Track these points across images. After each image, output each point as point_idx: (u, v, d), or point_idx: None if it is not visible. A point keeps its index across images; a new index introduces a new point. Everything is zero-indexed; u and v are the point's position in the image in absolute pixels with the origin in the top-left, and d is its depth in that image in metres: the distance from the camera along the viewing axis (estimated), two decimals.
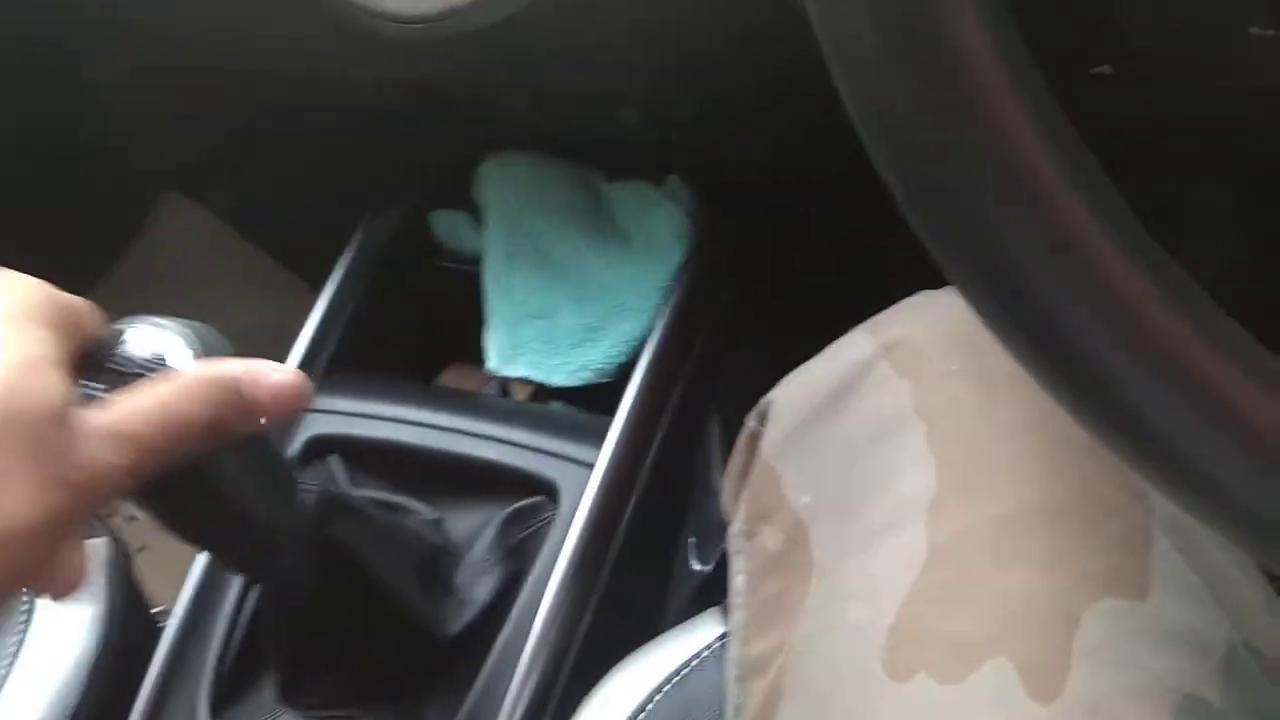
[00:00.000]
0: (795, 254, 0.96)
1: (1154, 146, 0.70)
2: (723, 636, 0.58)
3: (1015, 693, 0.42)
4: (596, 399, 0.79)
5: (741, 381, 0.64)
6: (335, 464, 0.74)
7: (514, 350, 0.82)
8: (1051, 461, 0.47)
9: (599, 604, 0.69)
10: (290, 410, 0.45)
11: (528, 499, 0.72)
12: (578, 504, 0.71)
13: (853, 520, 0.49)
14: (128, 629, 0.71)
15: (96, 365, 0.44)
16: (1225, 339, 0.29)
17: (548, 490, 0.72)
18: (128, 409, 0.42)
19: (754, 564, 0.53)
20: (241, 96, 1.00)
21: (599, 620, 0.69)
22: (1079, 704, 0.41)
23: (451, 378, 0.89)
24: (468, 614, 0.67)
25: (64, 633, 0.69)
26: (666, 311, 0.79)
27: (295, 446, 0.76)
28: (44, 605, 0.70)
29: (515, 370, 0.82)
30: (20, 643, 0.68)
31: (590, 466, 0.72)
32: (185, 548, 0.59)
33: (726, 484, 0.58)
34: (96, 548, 0.73)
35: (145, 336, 0.45)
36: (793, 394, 0.55)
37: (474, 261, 0.85)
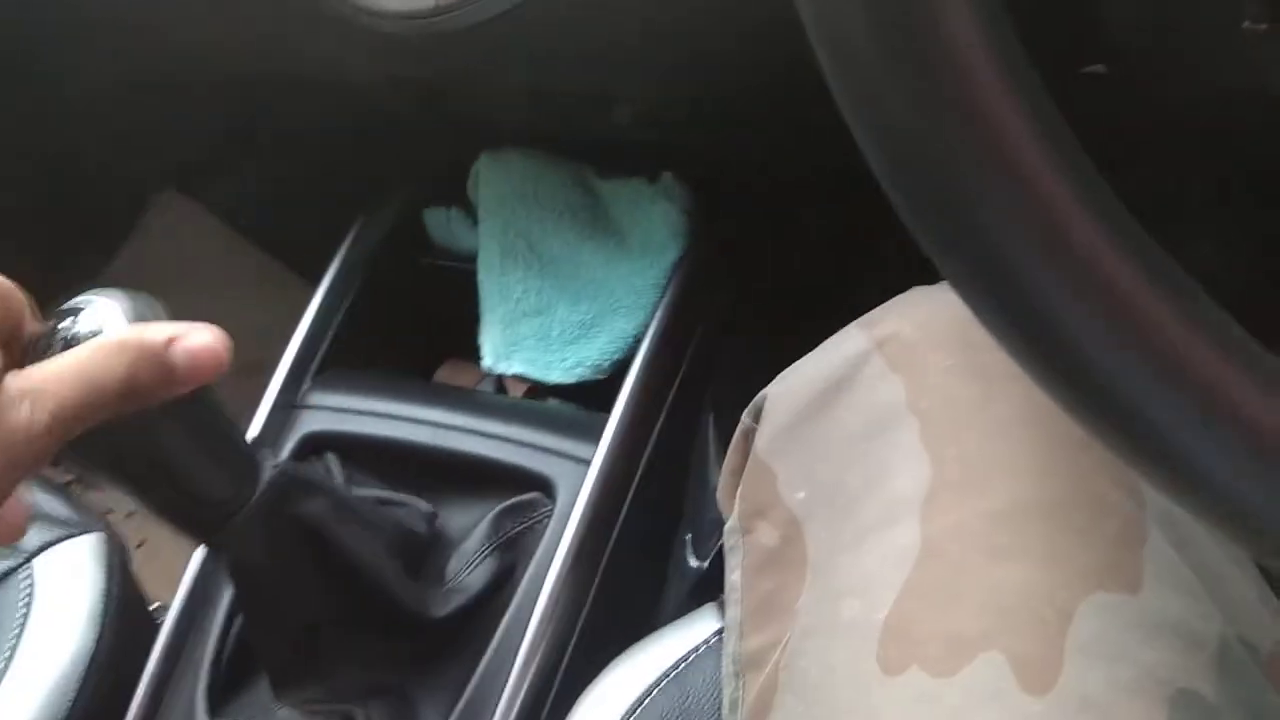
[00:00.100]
0: (791, 251, 0.96)
1: (1150, 145, 0.70)
2: (719, 632, 0.59)
3: (1009, 686, 0.42)
4: (592, 396, 0.79)
5: (738, 378, 0.64)
6: (332, 461, 0.74)
7: (509, 347, 0.82)
8: (1045, 457, 0.47)
9: (595, 600, 0.69)
10: (209, 373, 0.45)
11: (523, 494, 0.72)
12: (574, 500, 0.71)
13: (847, 516, 0.50)
14: (125, 625, 0.71)
15: (48, 342, 0.45)
16: (1222, 336, 0.29)
17: (544, 486, 0.72)
18: (46, 371, 0.42)
19: (749, 560, 0.54)
20: (238, 95, 1.00)
21: (595, 616, 0.69)
22: (1072, 697, 0.41)
23: (447, 374, 0.89)
24: (457, 600, 0.67)
25: (61, 628, 0.69)
26: (662, 308, 0.79)
27: (291, 443, 0.76)
28: (41, 601, 0.70)
29: (511, 367, 0.82)
30: (18, 638, 0.68)
31: (586, 463, 0.72)
32: (183, 544, 0.59)
33: (722, 480, 0.58)
34: (93, 543, 0.73)
35: (95, 310, 0.47)
36: (787, 390, 0.55)
37: (469, 259, 0.85)
